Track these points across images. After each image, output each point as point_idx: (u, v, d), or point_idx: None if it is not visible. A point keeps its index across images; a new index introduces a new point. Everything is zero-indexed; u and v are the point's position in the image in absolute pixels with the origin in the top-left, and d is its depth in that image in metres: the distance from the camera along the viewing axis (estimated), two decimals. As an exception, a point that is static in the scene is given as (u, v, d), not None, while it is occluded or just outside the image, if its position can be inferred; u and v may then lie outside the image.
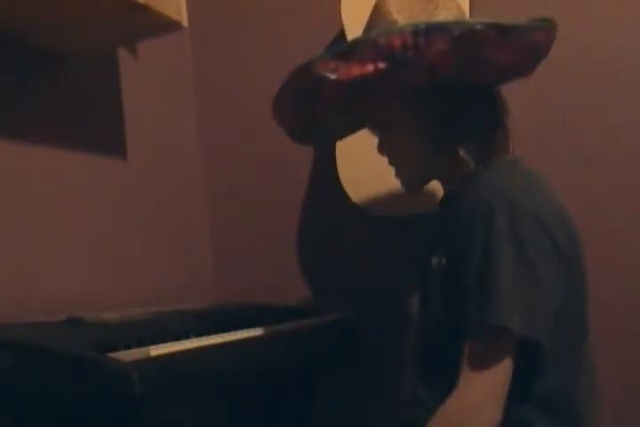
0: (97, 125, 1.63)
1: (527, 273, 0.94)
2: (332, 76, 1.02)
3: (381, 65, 1.00)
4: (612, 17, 1.58)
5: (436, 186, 1.23)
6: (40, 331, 1.21)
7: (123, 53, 1.71)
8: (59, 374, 1.02)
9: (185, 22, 1.47)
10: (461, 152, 1.10)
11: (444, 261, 1.04)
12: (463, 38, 0.99)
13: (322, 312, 1.60)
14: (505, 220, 0.94)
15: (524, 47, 1.07)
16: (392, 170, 1.20)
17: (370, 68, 1.00)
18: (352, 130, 1.37)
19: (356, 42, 1.02)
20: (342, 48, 1.03)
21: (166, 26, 1.46)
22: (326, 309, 1.73)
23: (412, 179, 1.19)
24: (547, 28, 1.08)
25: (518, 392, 0.95)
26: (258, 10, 1.92)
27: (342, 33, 1.65)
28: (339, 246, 1.82)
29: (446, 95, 1.08)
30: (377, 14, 1.15)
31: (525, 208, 0.96)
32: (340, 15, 1.64)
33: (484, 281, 0.94)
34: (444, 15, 1.11)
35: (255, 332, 1.25)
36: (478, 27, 0.99)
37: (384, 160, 1.22)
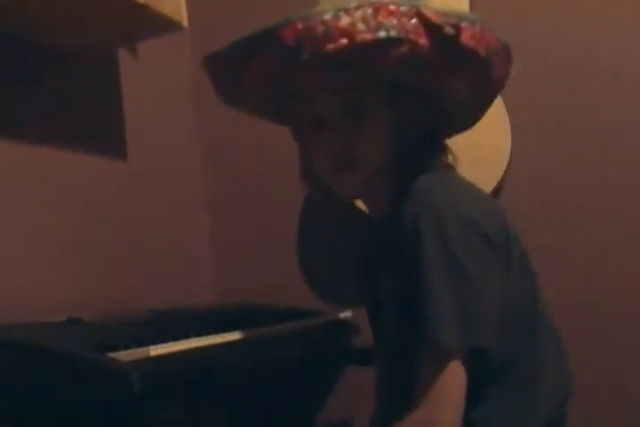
0: (97, 125, 1.63)
1: (460, 277, 0.91)
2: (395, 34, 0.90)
3: (423, 41, 0.92)
4: (612, 17, 1.58)
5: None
6: (40, 331, 1.21)
7: (123, 53, 1.71)
8: (58, 374, 1.02)
9: (185, 22, 1.47)
10: (404, 176, 1.02)
11: (394, 279, 0.99)
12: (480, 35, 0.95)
13: (322, 312, 1.60)
14: (430, 226, 0.91)
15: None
16: (333, 161, 1.04)
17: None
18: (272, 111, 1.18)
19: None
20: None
21: (166, 26, 1.47)
22: (326, 309, 1.73)
23: (362, 184, 1.06)
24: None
25: (477, 394, 0.94)
26: (258, 10, 1.92)
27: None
28: (339, 246, 1.82)
29: (429, 98, 1.03)
30: None
31: (449, 210, 0.92)
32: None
33: (417, 295, 0.91)
34: None
35: (255, 332, 1.25)
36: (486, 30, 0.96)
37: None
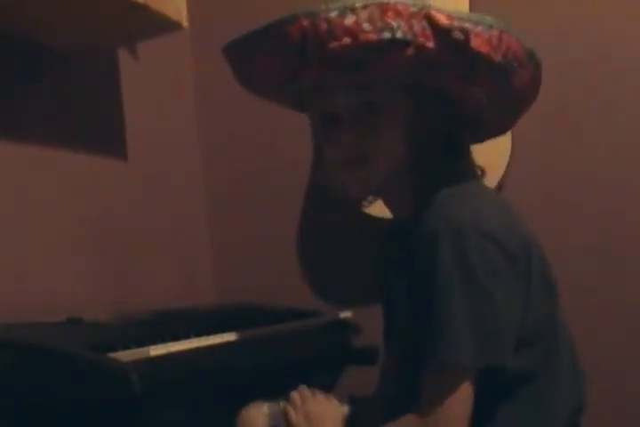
0: (97, 125, 1.63)
1: (478, 294, 0.89)
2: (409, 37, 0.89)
3: (497, 57, 0.92)
4: (613, 17, 1.58)
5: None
6: (40, 331, 1.21)
7: (123, 53, 1.71)
8: (58, 374, 1.02)
9: (185, 22, 1.47)
10: (426, 178, 1.01)
11: (409, 289, 0.99)
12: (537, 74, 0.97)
13: (322, 312, 1.60)
14: (449, 239, 0.90)
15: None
16: (346, 163, 1.02)
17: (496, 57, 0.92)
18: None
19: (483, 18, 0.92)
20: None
21: (166, 26, 1.47)
22: (326, 309, 1.73)
23: (371, 187, 1.05)
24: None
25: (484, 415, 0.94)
26: (258, 10, 1.91)
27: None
28: (339, 247, 1.82)
29: (449, 102, 1.01)
30: None
31: (469, 223, 0.91)
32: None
33: (433, 311, 0.90)
34: None
35: (255, 332, 1.25)
36: (513, 36, 0.95)
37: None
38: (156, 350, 1.03)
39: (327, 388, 1.65)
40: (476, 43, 0.90)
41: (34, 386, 1.05)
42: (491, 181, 1.60)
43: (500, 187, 1.62)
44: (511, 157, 1.60)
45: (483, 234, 0.91)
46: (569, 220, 1.61)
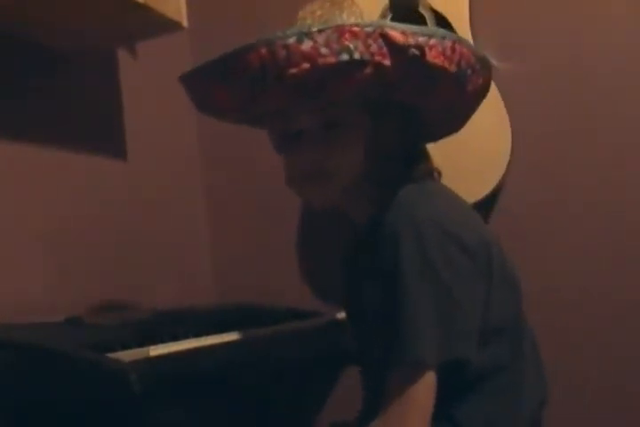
0: (97, 125, 1.63)
1: (440, 289, 0.91)
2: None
3: (452, 68, 0.96)
4: (613, 17, 1.58)
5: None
6: (40, 331, 1.21)
7: (123, 53, 1.71)
8: (58, 374, 1.02)
9: (184, 22, 1.47)
10: (383, 180, 1.04)
11: (376, 291, 0.99)
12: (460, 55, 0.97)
13: (322, 312, 1.60)
14: (410, 237, 0.92)
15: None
16: (306, 171, 1.05)
17: (452, 68, 0.95)
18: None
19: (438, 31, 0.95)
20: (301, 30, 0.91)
21: (166, 26, 1.47)
22: (326, 309, 1.73)
23: (332, 195, 1.07)
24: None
25: (442, 410, 0.95)
26: (258, 10, 1.91)
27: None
28: (339, 247, 1.82)
29: (410, 116, 1.04)
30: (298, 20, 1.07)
31: (430, 221, 0.93)
32: (340, 15, 1.64)
33: (395, 308, 0.92)
34: (352, 18, 1.03)
35: (255, 332, 1.25)
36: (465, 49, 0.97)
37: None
38: (156, 351, 1.03)
39: (327, 388, 1.66)
40: (431, 55, 0.93)
41: (34, 386, 1.05)
42: (491, 181, 1.60)
43: (499, 187, 1.62)
44: (511, 156, 1.60)
45: (442, 231, 0.93)
46: (569, 220, 1.61)
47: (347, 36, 0.90)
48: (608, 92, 1.58)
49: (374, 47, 0.91)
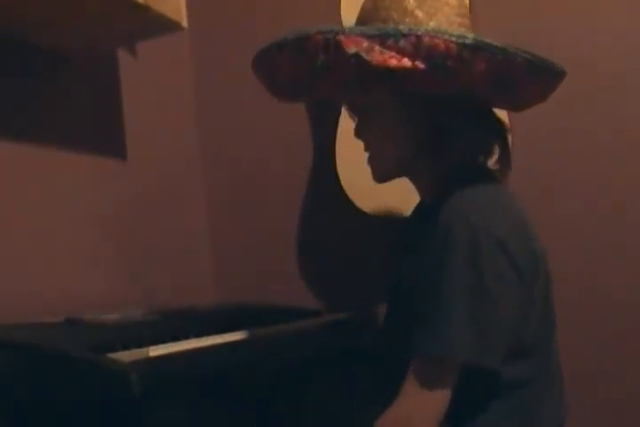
0: (97, 125, 1.63)
1: (481, 295, 0.92)
2: (366, 57, 0.94)
3: (420, 65, 0.94)
4: (612, 17, 1.58)
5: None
6: (40, 331, 1.21)
7: (123, 53, 1.71)
8: (58, 374, 1.02)
9: (184, 22, 1.47)
10: (441, 163, 1.08)
11: (411, 278, 1.02)
12: (502, 66, 0.96)
13: (322, 312, 1.60)
14: (462, 241, 0.93)
15: (539, 88, 1.06)
16: (365, 155, 1.14)
17: (407, 63, 0.94)
18: (335, 98, 1.32)
19: (396, 30, 0.95)
20: (380, 29, 0.96)
21: (166, 26, 1.47)
22: (326, 309, 1.73)
23: (383, 173, 1.13)
24: (560, 73, 1.04)
25: (477, 410, 0.97)
26: (257, 10, 1.92)
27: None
28: (338, 247, 1.82)
29: (446, 108, 1.04)
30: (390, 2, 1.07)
31: (484, 228, 0.94)
32: (340, 15, 1.64)
33: (435, 303, 0.93)
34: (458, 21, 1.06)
35: (255, 332, 1.25)
36: (519, 60, 0.96)
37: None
38: (156, 351, 1.03)
39: (327, 388, 1.66)
40: (378, 59, 0.95)
41: (34, 386, 1.04)
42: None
43: (499, 187, 1.61)
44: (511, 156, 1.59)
45: (496, 243, 0.94)
46: (569, 220, 1.61)
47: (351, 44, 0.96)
48: (608, 92, 1.58)
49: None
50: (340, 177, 1.67)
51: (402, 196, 1.32)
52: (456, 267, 0.92)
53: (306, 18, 1.83)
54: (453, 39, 0.93)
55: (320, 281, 1.85)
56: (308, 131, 1.85)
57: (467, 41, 0.93)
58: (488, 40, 0.97)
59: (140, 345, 1.06)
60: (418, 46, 0.94)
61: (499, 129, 1.11)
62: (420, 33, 0.94)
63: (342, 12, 1.64)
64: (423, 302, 0.95)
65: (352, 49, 0.94)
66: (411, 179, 1.15)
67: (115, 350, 1.03)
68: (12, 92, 1.42)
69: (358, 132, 1.13)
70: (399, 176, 1.14)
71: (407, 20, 1.03)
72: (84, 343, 1.06)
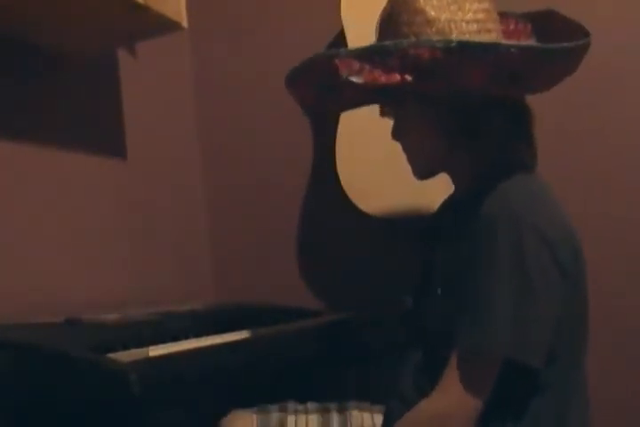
0: (97, 125, 1.63)
1: (525, 291, 0.92)
2: (355, 80, 0.98)
3: (408, 77, 0.97)
4: (613, 17, 1.58)
5: (435, 189, 1.23)
6: (40, 331, 1.21)
7: (123, 53, 1.71)
8: (58, 374, 1.02)
9: (184, 23, 1.47)
10: (478, 156, 1.09)
11: (452, 264, 1.01)
12: (497, 61, 0.96)
13: (322, 312, 1.60)
14: (507, 235, 0.93)
15: (558, 65, 1.04)
16: (404, 155, 1.17)
17: (396, 78, 0.97)
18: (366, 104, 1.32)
19: (383, 47, 0.98)
20: (368, 49, 0.99)
21: (166, 26, 1.47)
22: (326, 309, 1.73)
23: (423, 171, 1.16)
24: (583, 46, 1.03)
25: (509, 411, 0.96)
26: (257, 10, 1.92)
27: (342, 33, 1.65)
28: (338, 247, 1.82)
29: (470, 103, 1.05)
30: (406, 8, 1.08)
31: (529, 223, 0.94)
32: (340, 15, 1.64)
33: (479, 298, 0.93)
34: (474, 8, 1.04)
35: (255, 332, 1.25)
36: (513, 50, 0.95)
37: (385, 161, 1.21)
38: (156, 351, 1.03)
39: (327, 388, 1.66)
40: (368, 78, 0.98)
41: (33, 386, 1.05)
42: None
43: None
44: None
45: (540, 239, 0.94)
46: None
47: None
48: (608, 92, 1.58)
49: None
50: (340, 177, 1.67)
51: (402, 196, 1.32)
52: (501, 265, 0.92)
53: (306, 18, 1.83)
54: (438, 46, 0.94)
55: (320, 281, 1.85)
56: (308, 131, 1.85)
57: (451, 45, 0.94)
58: (477, 39, 0.98)
59: (140, 345, 1.06)
60: (404, 59, 0.96)
61: (526, 117, 1.11)
62: (404, 46, 0.96)
63: (342, 12, 1.64)
64: (466, 297, 0.95)
65: (344, 73, 0.98)
66: (449, 173, 1.15)
67: (115, 350, 1.03)
68: (12, 92, 1.42)
69: (394, 135, 1.15)
70: (439, 172, 1.16)
71: (417, 19, 1.04)
72: (83, 343, 1.06)
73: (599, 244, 1.58)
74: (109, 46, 1.66)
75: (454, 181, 1.16)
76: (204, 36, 1.95)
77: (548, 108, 1.62)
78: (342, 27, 1.64)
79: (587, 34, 1.03)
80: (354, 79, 0.98)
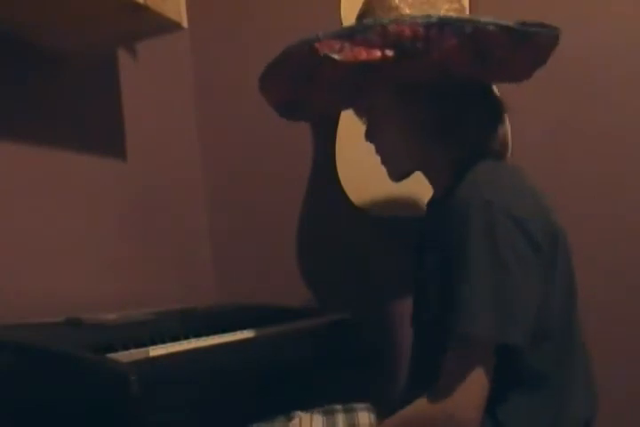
0: (97, 125, 1.63)
1: (502, 274, 0.92)
2: (336, 57, 0.98)
3: (389, 53, 0.98)
4: (612, 17, 1.58)
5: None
6: (40, 331, 1.21)
7: (123, 53, 1.71)
8: (58, 374, 1.02)
9: (184, 23, 1.47)
10: (451, 151, 1.09)
11: (436, 260, 1.02)
12: (474, 37, 0.97)
13: (322, 312, 1.59)
14: (480, 220, 0.93)
15: (530, 53, 1.05)
16: (378, 158, 1.17)
17: (377, 54, 0.98)
18: (339, 109, 1.36)
19: (364, 25, 0.99)
20: (348, 29, 1.00)
21: (166, 26, 1.47)
22: (326, 309, 1.73)
23: (397, 171, 1.16)
24: (554, 35, 1.05)
25: (500, 396, 0.96)
26: (257, 10, 1.92)
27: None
28: (338, 247, 1.82)
29: (442, 94, 1.06)
30: (381, 5, 1.11)
31: (499, 206, 0.94)
32: (340, 15, 1.64)
33: (458, 284, 0.93)
34: (445, 7, 1.09)
35: (255, 332, 1.25)
36: (490, 28, 0.97)
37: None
38: (156, 351, 1.03)
39: (327, 388, 1.66)
40: (346, 56, 0.99)
41: (33, 386, 1.05)
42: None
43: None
44: (511, 156, 1.60)
45: (512, 219, 0.94)
46: (568, 220, 1.60)
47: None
48: (608, 93, 1.58)
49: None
50: (340, 177, 1.67)
51: (402, 195, 1.32)
52: (475, 245, 0.93)
53: (306, 18, 1.83)
54: (418, 21, 0.96)
55: (320, 281, 1.85)
56: (308, 131, 1.85)
57: (432, 20, 0.96)
58: (455, 16, 1.00)
59: (140, 345, 1.06)
60: (385, 36, 0.97)
61: (499, 110, 1.12)
62: (385, 22, 0.97)
63: (342, 12, 1.64)
64: (451, 288, 0.95)
65: (324, 52, 0.99)
66: (424, 173, 1.15)
67: (115, 350, 1.03)
68: (12, 92, 1.42)
69: (367, 137, 1.16)
70: (413, 172, 1.16)
71: (391, 15, 1.06)
72: (83, 343, 1.06)
73: (599, 244, 1.59)
74: (109, 46, 1.67)
75: (430, 182, 1.16)
76: (204, 36, 1.95)
77: (548, 107, 1.63)
78: (342, 27, 1.64)
79: (556, 28, 1.05)
80: (335, 56, 0.98)
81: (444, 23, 0.96)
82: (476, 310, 0.91)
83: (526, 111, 1.61)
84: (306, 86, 1.10)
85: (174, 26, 1.46)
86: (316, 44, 0.99)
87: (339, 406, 1.22)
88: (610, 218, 1.58)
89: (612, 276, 1.57)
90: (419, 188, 1.26)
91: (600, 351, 1.52)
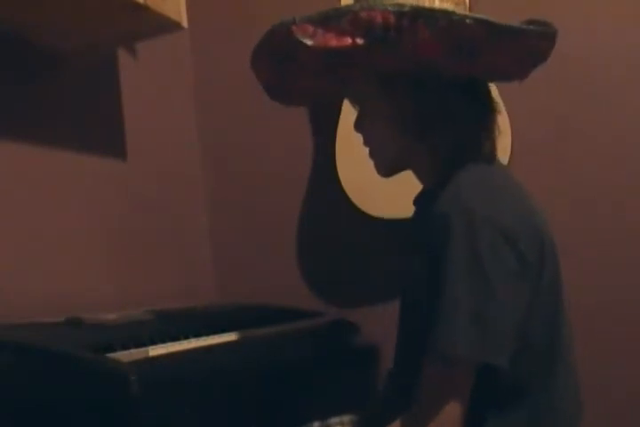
0: (97, 125, 1.63)
1: (484, 289, 0.89)
2: (308, 42, 0.97)
3: (359, 40, 0.95)
4: (612, 17, 1.58)
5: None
6: (40, 331, 1.21)
7: (123, 53, 1.71)
8: (58, 374, 1.03)
9: (184, 23, 1.47)
10: (436, 147, 1.06)
11: (422, 262, 0.98)
12: (450, 30, 0.93)
13: (322, 312, 1.60)
14: (461, 231, 0.90)
15: (520, 50, 1.02)
16: (366, 150, 1.14)
17: (347, 41, 0.96)
18: (331, 95, 1.33)
19: (338, 11, 0.96)
20: (324, 14, 0.98)
21: (166, 26, 1.47)
22: (326, 309, 1.73)
23: (384, 164, 1.13)
24: (547, 33, 1.02)
25: (488, 413, 0.94)
26: (257, 10, 1.91)
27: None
28: (338, 247, 1.82)
29: (421, 86, 1.03)
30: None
31: (483, 216, 0.91)
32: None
33: (439, 298, 0.90)
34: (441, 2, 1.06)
35: (254, 332, 1.25)
36: (468, 21, 0.93)
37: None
38: (156, 351, 1.03)
39: (327, 388, 1.66)
40: (318, 41, 0.98)
41: (34, 386, 1.05)
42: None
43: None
44: (511, 156, 1.60)
45: (496, 229, 0.91)
46: (568, 220, 1.61)
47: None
48: (609, 92, 1.58)
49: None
50: (340, 177, 1.67)
51: (402, 195, 1.32)
52: (456, 260, 0.89)
53: (306, 18, 1.83)
54: (390, 9, 0.93)
55: (320, 281, 1.85)
56: (308, 131, 1.85)
57: (404, 9, 0.93)
58: (429, 7, 0.96)
59: (140, 345, 1.06)
60: (356, 23, 0.95)
61: (489, 110, 1.08)
62: (356, 9, 0.95)
63: (342, 12, 1.63)
64: (432, 304, 0.92)
65: (298, 36, 0.98)
66: (413, 169, 1.12)
67: (115, 350, 1.03)
68: (12, 92, 1.42)
69: (356, 126, 1.13)
70: (402, 168, 1.13)
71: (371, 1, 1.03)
72: (83, 343, 1.06)
73: (599, 244, 1.59)
74: (109, 46, 1.66)
75: (419, 178, 1.14)
76: (204, 36, 1.95)
77: (548, 108, 1.63)
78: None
79: (550, 27, 1.02)
80: (307, 42, 0.97)
81: (416, 14, 0.93)
82: (457, 329, 0.88)
83: (526, 111, 1.61)
84: (290, 70, 1.08)
85: (174, 26, 1.46)
86: (293, 27, 0.98)
87: (317, 424, 1.22)
88: (610, 218, 1.58)
89: (612, 276, 1.57)
90: (419, 188, 1.26)
91: (600, 351, 1.53)
